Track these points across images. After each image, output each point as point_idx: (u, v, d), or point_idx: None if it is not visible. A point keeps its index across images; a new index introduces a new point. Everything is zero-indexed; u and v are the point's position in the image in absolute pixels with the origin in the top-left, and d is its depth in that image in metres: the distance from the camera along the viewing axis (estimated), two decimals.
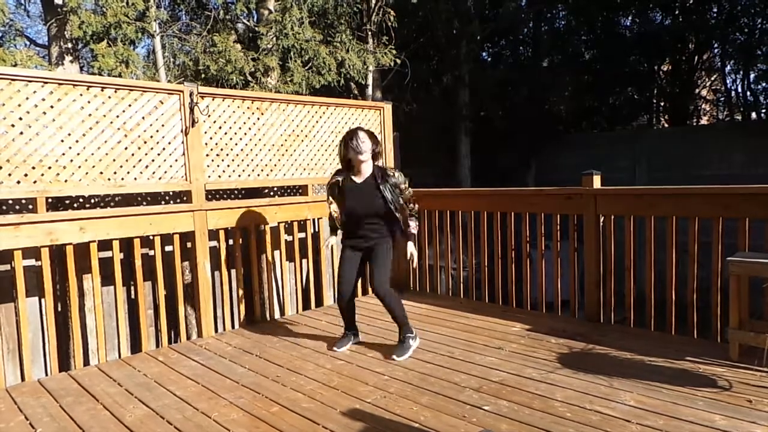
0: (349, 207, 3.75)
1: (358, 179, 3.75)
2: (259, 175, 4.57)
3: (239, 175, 4.44)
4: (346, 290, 3.79)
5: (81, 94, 3.63)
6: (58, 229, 3.51)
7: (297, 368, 3.47)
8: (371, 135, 3.75)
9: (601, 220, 4.20)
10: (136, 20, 7.25)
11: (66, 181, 3.59)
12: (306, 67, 8.12)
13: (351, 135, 3.71)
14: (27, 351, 3.43)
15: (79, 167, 3.64)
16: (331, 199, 3.90)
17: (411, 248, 3.90)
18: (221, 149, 4.32)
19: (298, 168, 4.85)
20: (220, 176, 4.32)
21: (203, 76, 7.84)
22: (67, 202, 4.01)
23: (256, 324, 4.58)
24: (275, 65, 7.97)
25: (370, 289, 5.44)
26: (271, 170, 4.66)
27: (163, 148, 4.01)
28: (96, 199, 4.18)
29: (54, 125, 3.53)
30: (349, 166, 3.77)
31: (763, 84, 11.11)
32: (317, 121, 4.98)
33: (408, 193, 3.83)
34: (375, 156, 3.78)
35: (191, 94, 4.07)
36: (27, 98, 3.42)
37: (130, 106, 3.85)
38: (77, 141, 3.63)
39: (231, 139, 4.39)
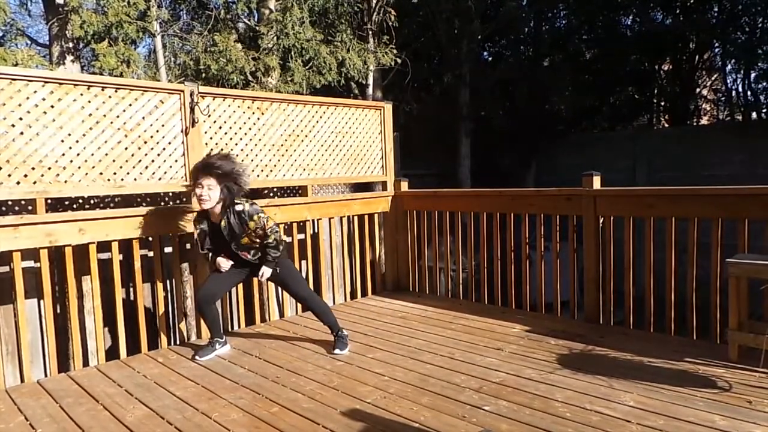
0: (217, 249, 3.71)
1: (214, 220, 3.65)
2: (258, 175, 4.56)
3: None
4: (214, 294, 3.78)
5: (81, 94, 3.63)
6: (57, 230, 3.51)
7: (297, 369, 3.48)
8: (220, 168, 3.46)
9: (601, 221, 4.20)
10: (137, 20, 7.25)
11: (66, 181, 3.59)
12: (306, 67, 8.11)
13: (194, 180, 3.51)
14: (26, 352, 3.43)
15: (79, 168, 3.64)
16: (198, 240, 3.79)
17: (264, 270, 3.72)
18: (221, 149, 4.31)
19: (298, 168, 4.84)
20: None
21: (204, 75, 7.83)
22: (67, 203, 4.01)
23: (255, 325, 4.58)
24: (276, 65, 7.95)
25: (369, 291, 5.47)
26: (271, 171, 4.66)
27: (163, 149, 4.01)
28: (95, 200, 4.18)
29: (54, 125, 3.53)
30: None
31: (764, 83, 11.08)
32: (317, 121, 4.98)
33: (260, 231, 3.62)
34: (228, 179, 3.51)
35: (192, 94, 4.07)
36: (27, 98, 3.42)
37: (130, 105, 3.84)
38: (77, 141, 3.62)
39: (231, 139, 4.39)
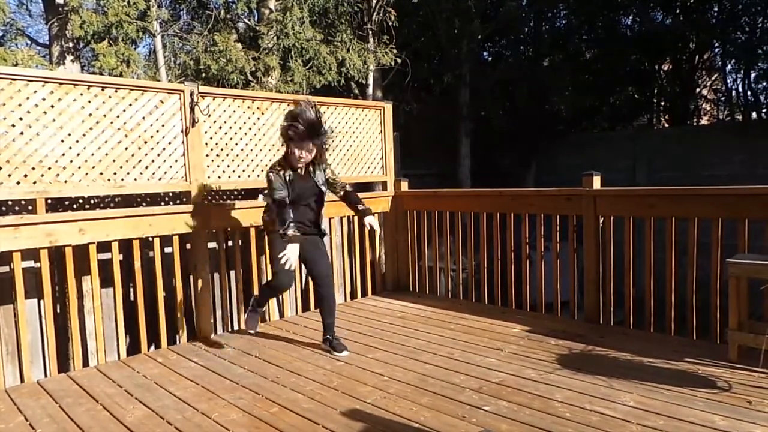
0: (294, 197, 3.60)
1: (305, 174, 3.67)
2: (259, 175, 4.56)
3: (239, 176, 4.44)
4: (290, 283, 3.82)
5: (81, 94, 3.63)
6: (57, 230, 3.51)
7: (296, 369, 3.48)
8: (322, 140, 3.55)
9: (601, 221, 4.20)
10: (137, 19, 7.25)
11: (66, 181, 3.59)
12: (306, 67, 8.12)
13: (300, 141, 3.46)
14: (26, 352, 3.43)
15: (79, 168, 3.64)
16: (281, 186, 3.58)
17: (371, 221, 3.88)
18: (221, 149, 4.32)
19: None
20: (219, 177, 4.32)
21: (204, 75, 7.83)
22: (67, 203, 4.01)
23: None
24: (276, 65, 7.96)
25: (369, 291, 5.47)
26: None
27: (163, 149, 4.01)
28: (96, 200, 4.18)
29: (54, 125, 3.53)
30: (291, 157, 3.56)
31: (764, 83, 11.07)
32: None
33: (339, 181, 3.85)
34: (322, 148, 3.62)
35: (192, 94, 4.07)
36: (27, 98, 3.42)
37: (130, 105, 3.84)
38: (77, 141, 3.62)
39: (231, 139, 4.39)
